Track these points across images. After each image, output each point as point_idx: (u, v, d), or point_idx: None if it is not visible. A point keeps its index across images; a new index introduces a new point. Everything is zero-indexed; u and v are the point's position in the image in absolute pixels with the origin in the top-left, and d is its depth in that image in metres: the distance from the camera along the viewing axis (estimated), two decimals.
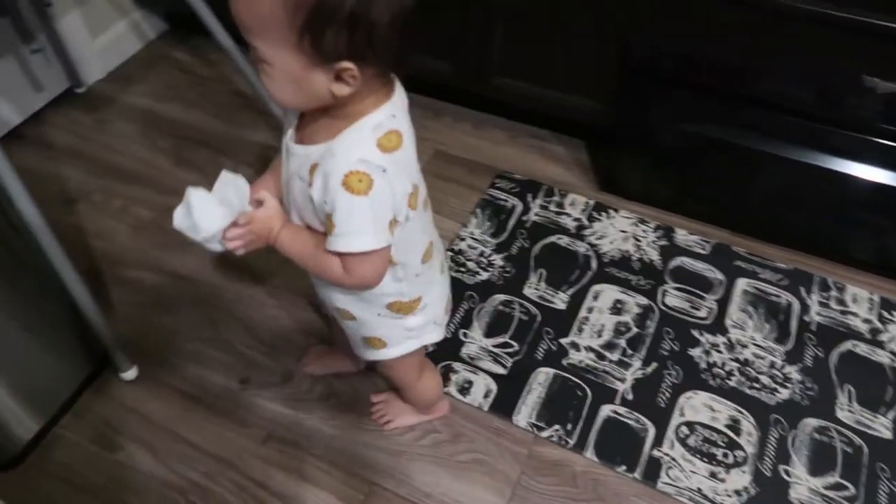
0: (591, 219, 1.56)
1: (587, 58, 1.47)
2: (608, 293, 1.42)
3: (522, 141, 1.75)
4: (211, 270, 1.50)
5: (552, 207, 1.59)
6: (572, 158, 1.70)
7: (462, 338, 1.36)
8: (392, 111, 0.74)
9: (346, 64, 0.67)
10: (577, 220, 1.56)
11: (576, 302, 1.41)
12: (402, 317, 0.93)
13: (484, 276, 1.46)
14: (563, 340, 1.35)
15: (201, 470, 1.22)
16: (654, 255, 1.48)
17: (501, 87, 1.65)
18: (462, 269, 1.48)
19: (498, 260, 1.49)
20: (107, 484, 1.22)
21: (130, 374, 1.32)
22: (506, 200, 1.61)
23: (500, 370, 1.31)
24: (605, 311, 1.39)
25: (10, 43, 1.70)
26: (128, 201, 1.65)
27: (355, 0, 0.63)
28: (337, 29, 0.64)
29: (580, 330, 1.36)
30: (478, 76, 1.66)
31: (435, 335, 1.01)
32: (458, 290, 1.43)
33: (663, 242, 1.50)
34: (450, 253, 1.50)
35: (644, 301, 1.40)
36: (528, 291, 1.43)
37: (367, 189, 0.71)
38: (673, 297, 1.41)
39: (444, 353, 1.33)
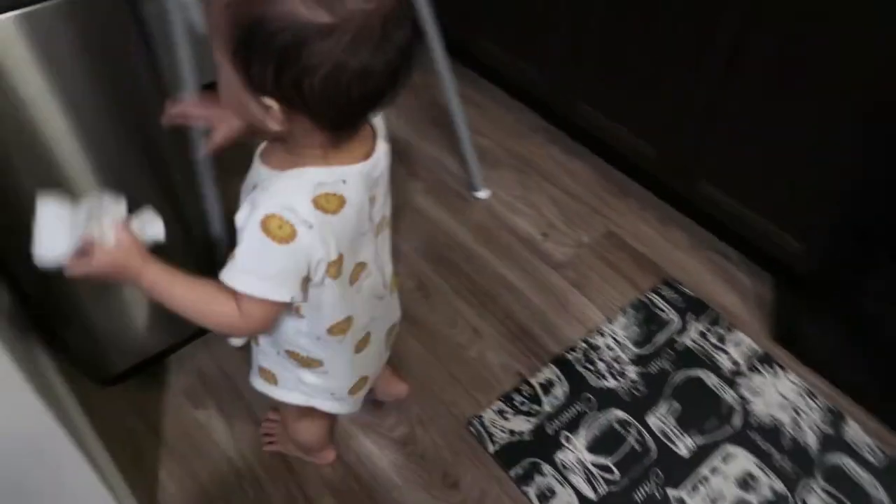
0: (752, 368, 1.37)
1: (806, 193, 1.29)
2: (741, 460, 1.23)
3: (705, 253, 1.58)
4: None
5: (712, 338, 1.41)
6: (754, 292, 1.51)
7: (562, 441, 1.24)
8: (344, 176, 0.68)
9: (269, 101, 0.61)
10: (735, 363, 1.37)
11: (701, 455, 1.23)
12: (298, 367, 0.87)
13: (611, 383, 1.33)
14: (672, 492, 1.18)
15: (265, 464, 1.20)
16: (812, 440, 1.26)
17: (703, 193, 1.49)
18: (589, 368, 1.35)
19: (632, 372, 1.35)
20: (177, 434, 1.24)
21: (238, 341, 1.33)
22: (664, 311, 1.46)
23: (591, 494, 1.18)
24: (730, 479, 1.20)
25: None
26: None
27: (290, 36, 0.56)
28: (263, 60, 0.58)
29: (695, 489, 1.19)
30: (682, 173, 1.52)
31: (330, 406, 0.94)
32: (578, 388, 1.31)
33: (828, 429, 1.28)
34: (583, 345, 1.38)
35: (780, 488, 1.20)
36: (652, 420, 1.28)
37: (288, 238, 0.66)
38: (817, 500, 1.19)
39: (537, 448, 1.22)
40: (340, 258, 0.73)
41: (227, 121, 0.80)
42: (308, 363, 0.87)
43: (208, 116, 0.83)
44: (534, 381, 1.32)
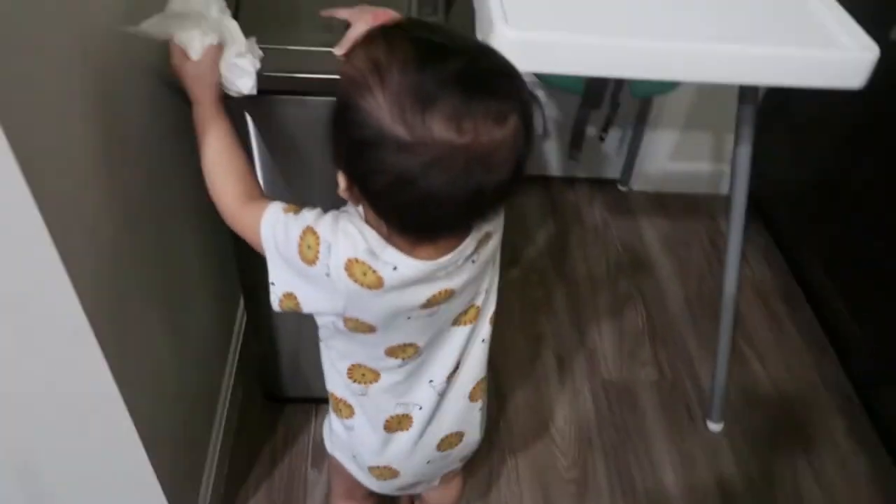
0: None
1: None
2: None
3: None
4: None
5: None
6: None
7: None
8: (398, 263, 0.62)
9: (341, 176, 0.60)
10: None
11: None
12: (332, 408, 0.84)
13: None
14: None
15: None
16: None
17: None
18: None
19: None
20: (283, 477, 1.25)
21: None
22: None
23: None
24: None
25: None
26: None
27: (367, 133, 0.54)
28: (340, 140, 0.58)
29: None
30: None
31: (351, 468, 0.87)
32: None
33: None
34: None
35: None
36: None
37: (308, 261, 0.64)
38: None
39: None
40: (368, 326, 0.68)
41: (354, 27, 0.81)
42: (338, 407, 0.82)
43: (349, 15, 0.83)
44: None
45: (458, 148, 0.53)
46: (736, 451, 1.37)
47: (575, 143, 1.36)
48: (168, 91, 0.88)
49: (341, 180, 0.61)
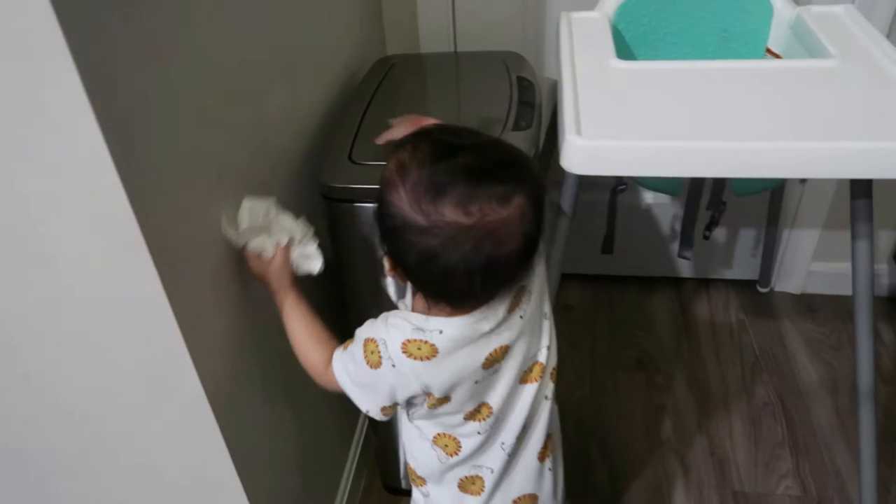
0: None
1: None
2: None
3: None
4: None
5: None
6: None
7: None
8: (443, 326, 0.70)
9: (387, 260, 0.71)
10: None
11: None
12: (413, 486, 0.89)
13: None
14: None
15: None
16: None
17: None
18: None
19: None
20: None
21: None
22: None
23: None
24: None
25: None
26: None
27: (395, 222, 0.65)
28: (379, 228, 0.69)
29: None
30: None
31: None
32: None
33: None
34: None
35: None
36: None
37: (374, 366, 0.73)
38: None
39: None
40: (444, 399, 0.75)
41: (399, 126, 0.95)
42: (414, 478, 0.87)
43: (395, 122, 0.98)
44: None
45: (468, 227, 0.63)
46: None
47: (683, 242, 1.36)
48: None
49: (387, 262, 0.72)
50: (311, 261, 0.86)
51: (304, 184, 1.07)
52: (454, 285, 0.67)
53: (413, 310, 0.77)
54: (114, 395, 0.78)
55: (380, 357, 0.73)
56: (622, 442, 1.48)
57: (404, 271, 0.70)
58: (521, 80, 1.24)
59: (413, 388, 0.74)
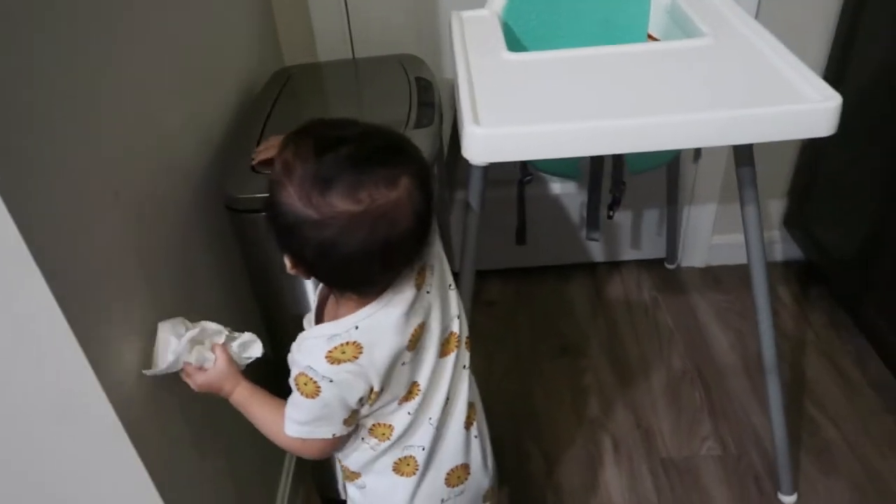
0: None
1: None
2: None
3: None
4: None
5: None
6: None
7: None
8: (356, 321, 0.72)
9: (287, 258, 0.72)
10: None
11: None
12: (347, 482, 0.91)
13: None
14: None
15: None
16: None
17: None
18: None
19: None
20: None
21: None
22: None
23: None
24: None
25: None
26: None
27: (288, 219, 0.66)
28: (273, 226, 0.69)
29: None
30: None
31: None
32: None
33: None
34: None
35: None
36: None
37: (314, 393, 0.73)
38: None
39: None
40: (381, 391, 0.76)
41: (272, 142, 0.97)
42: (348, 474, 0.88)
43: (264, 145, 1.00)
44: None
45: (360, 214, 0.64)
46: None
47: (590, 224, 1.42)
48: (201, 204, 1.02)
49: (287, 261, 0.72)
50: (252, 346, 0.86)
51: (209, 197, 1.05)
52: (356, 272, 0.69)
53: (323, 318, 0.79)
54: (17, 420, 0.74)
55: (315, 384, 0.73)
56: (553, 427, 1.51)
57: (305, 267, 0.71)
58: (419, 80, 1.26)
59: (359, 388, 0.74)
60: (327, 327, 0.73)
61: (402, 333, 0.74)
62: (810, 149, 1.72)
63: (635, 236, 1.91)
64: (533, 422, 1.53)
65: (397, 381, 0.77)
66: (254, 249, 1.05)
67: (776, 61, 1.01)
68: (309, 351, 0.74)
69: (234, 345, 0.85)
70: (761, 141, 0.94)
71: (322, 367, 0.72)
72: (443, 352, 0.81)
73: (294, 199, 0.65)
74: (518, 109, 0.95)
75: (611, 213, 1.41)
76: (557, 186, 1.80)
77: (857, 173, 1.55)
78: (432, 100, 1.20)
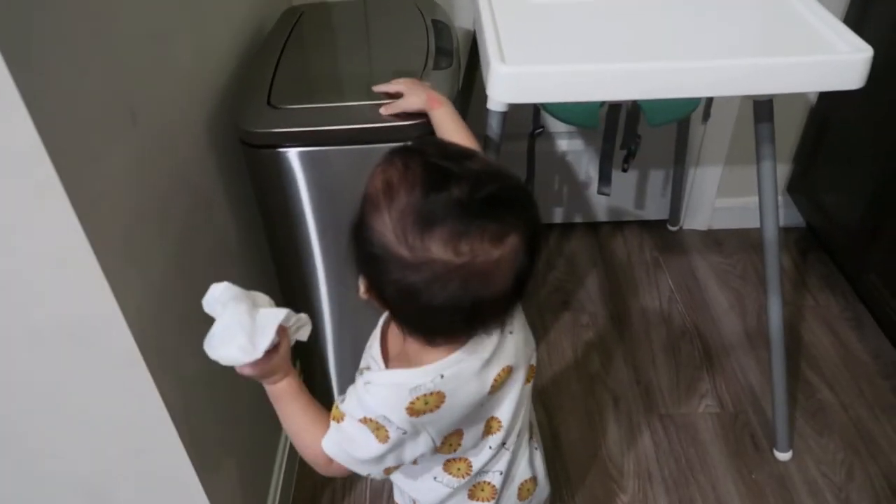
0: None
1: None
2: None
3: None
4: None
5: None
6: None
7: None
8: (441, 370, 0.65)
9: (362, 281, 0.64)
10: None
11: None
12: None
13: None
14: None
15: None
16: None
17: None
18: None
19: None
20: None
21: None
22: None
23: None
24: None
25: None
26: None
27: (376, 249, 0.59)
28: (355, 247, 0.62)
29: None
30: None
31: None
32: None
33: None
34: None
35: None
36: None
37: (384, 439, 0.67)
38: None
39: None
40: (458, 433, 0.72)
41: (411, 96, 0.92)
42: None
43: (404, 88, 0.94)
44: None
45: (456, 267, 0.57)
46: (808, 480, 1.31)
47: (602, 178, 1.41)
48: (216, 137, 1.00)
49: (361, 284, 0.64)
50: (304, 329, 0.74)
51: (222, 132, 1.02)
52: (436, 324, 0.63)
53: (387, 340, 0.73)
54: (37, 347, 0.73)
55: (387, 433, 0.67)
56: (555, 381, 1.52)
57: (381, 302, 0.64)
58: (435, 22, 1.23)
59: (426, 444, 0.69)
60: (408, 376, 0.65)
61: (485, 381, 0.68)
62: (818, 113, 1.71)
63: (639, 197, 1.90)
64: (535, 376, 1.54)
65: (475, 422, 0.72)
66: (268, 188, 1.03)
67: (805, 12, 0.99)
68: (385, 400, 0.66)
69: (292, 323, 0.73)
70: (789, 91, 0.93)
71: (400, 419, 0.65)
72: (524, 387, 0.77)
73: (388, 231, 0.58)
74: (544, 49, 0.93)
75: (626, 165, 1.40)
76: (565, 143, 1.78)
77: (865, 137, 1.54)
78: (450, 43, 1.18)
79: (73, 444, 0.83)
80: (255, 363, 0.68)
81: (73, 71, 0.64)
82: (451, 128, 0.88)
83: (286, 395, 0.73)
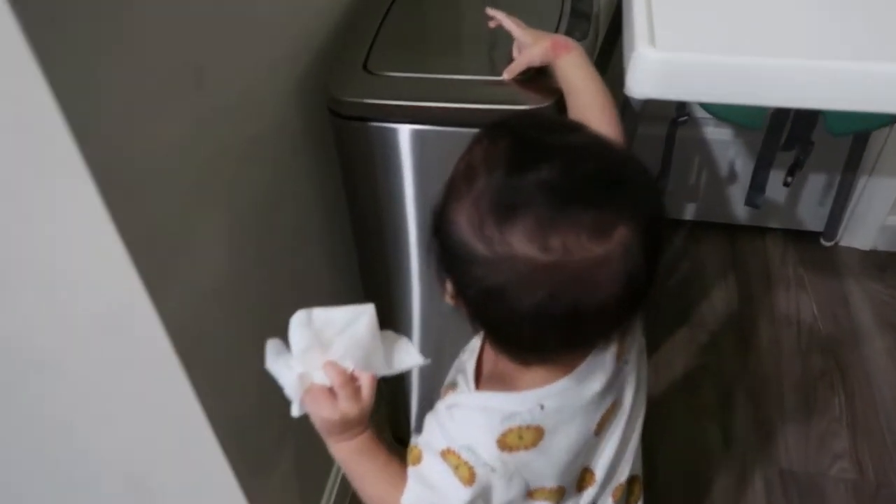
0: None
1: None
2: None
3: None
4: None
5: None
6: None
7: None
8: (541, 400, 0.55)
9: (449, 283, 0.51)
10: None
11: None
12: None
13: None
14: None
15: None
16: None
17: None
18: None
19: None
20: None
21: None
22: None
23: None
24: None
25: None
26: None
27: (456, 248, 0.48)
28: (439, 245, 0.51)
29: None
30: None
31: None
32: None
33: None
34: None
35: None
36: None
37: (469, 480, 0.55)
38: None
39: None
40: (557, 490, 0.61)
41: (529, 49, 0.75)
42: None
43: (522, 35, 0.77)
44: None
45: (544, 267, 0.45)
46: None
47: (754, 186, 1.17)
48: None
49: (448, 286, 0.53)
50: (406, 356, 0.61)
51: (310, 98, 0.90)
52: (524, 337, 0.51)
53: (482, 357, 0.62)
54: (68, 335, 0.66)
55: (471, 469, 0.56)
56: (659, 408, 1.34)
57: (466, 304, 0.52)
58: None
59: (519, 488, 0.58)
60: (502, 400, 0.56)
61: (592, 419, 0.58)
62: None
63: (791, 201, 1.63)
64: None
65: (570, 471, 0.61)
66: (355, 167, 0.90)
67: None
68: (472, 427, 0.56)
69: (380, 357, 0.60)
70: None
71: (489, 453, 0.55)
72: (629, 430, 0.65)
73: (462, 220, 0.48)
74: (708, 32, 0.72)
75: (789, 178, 1.15)
76: (710, 130, 1.53)
77: None
78: (589, 9, 0.98)
79: (116, 433, 0.77)
80: (320, 403, 0.59)
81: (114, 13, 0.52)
82: (579, 77, 0.69)
83: (357, 452, 0.61)
